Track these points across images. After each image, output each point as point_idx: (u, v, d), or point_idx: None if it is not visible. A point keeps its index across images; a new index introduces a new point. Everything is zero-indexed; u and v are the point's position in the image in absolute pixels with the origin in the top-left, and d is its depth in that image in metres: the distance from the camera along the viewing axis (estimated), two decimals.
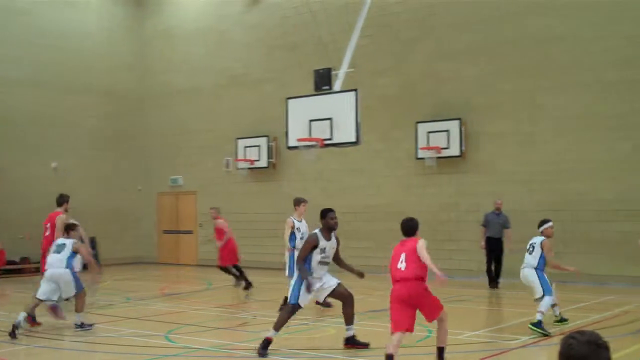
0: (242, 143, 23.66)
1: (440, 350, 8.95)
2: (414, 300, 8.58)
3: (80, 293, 11.80)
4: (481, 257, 18.36)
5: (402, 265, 8.75)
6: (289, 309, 10.01)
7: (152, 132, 26.93)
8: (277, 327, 9.82)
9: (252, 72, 24.26)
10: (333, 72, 16.52)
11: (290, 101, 16.86)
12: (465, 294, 16.35)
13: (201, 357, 9.86)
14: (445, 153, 19.78)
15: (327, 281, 10.24)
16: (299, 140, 16.43)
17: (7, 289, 18.98)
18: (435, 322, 8.87)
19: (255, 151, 23.36)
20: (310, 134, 16.20)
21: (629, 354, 9.22)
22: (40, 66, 24.10)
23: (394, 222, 18.02)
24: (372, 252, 20.27)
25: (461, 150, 19.66)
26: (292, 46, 23.21)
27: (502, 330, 11.38)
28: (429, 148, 19.90)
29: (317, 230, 10.27)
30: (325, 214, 10.34)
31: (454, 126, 19.72)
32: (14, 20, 23.65)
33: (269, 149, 23.21)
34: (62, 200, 13.84)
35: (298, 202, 14.42)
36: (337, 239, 10.45)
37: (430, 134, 19.97)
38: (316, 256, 10.05)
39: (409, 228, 9.24)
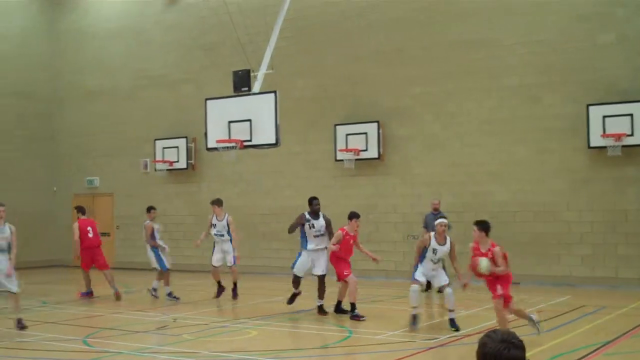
0: (160, 144, 23.44)
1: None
2: None
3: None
4: (399, 257, 18.72)
5: None
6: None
7: (67, 133, 26.38)
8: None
9: (171, 73, 24.06)
10: (252, 74, 16.59)
11: (209, 102, 16.85)
12: (383, 294, 16.62)
13: None
14: (363, 155, 20.05)
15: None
16: (218, 141, 16.44)
17: None
18: None
19: (174, 152, 23.17)
20: (229, 135, 16.23)
21: (544, 351, 9.57)
22: None
23: None
24: (290, 254, 20.37)
25: (379, 153, 19.96)
26: (210, 47, 23.14)
27: (420, 330, 11.63)
28: (347, 150, 20.15)
29: (305, 212, 13.71)
30: (311, 201, 13.89)
31: (372, 129, 20.00)
32: None
33: (188, 150, 23.07)
34: None
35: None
36: (326, 220, 13.71)
37: (349, 136, 20.21)
38: (309, 230, 13.50)
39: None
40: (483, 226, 10.39)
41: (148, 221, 16.83)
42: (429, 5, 19.78)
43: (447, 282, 11.81)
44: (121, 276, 22.34)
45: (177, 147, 23.15)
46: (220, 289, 15.52)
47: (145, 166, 24.11)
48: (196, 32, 23.57)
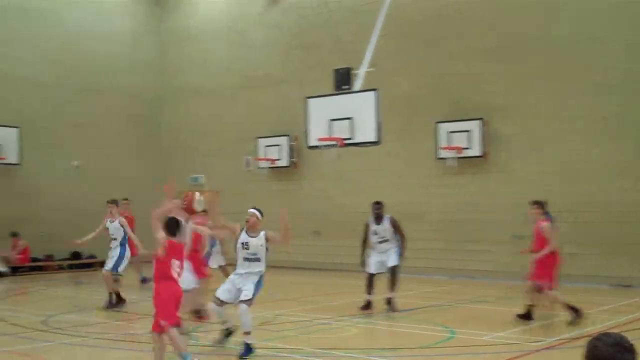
0: (262, 142, 23.72)
1: None
2: None
3: None
4: (503, 257, 18.33)
5: None
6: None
7: (172, 132, 27.05)
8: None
9: (272, 72, 24.29)
10: (353, 72, 16.55)
11: (310, 101, 16.91)
12: (487, 294, 16.29)
13: (226, 356, 9.89)
14: (466, 153, 19.71)
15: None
16: (320, 139, 16.48)
17: (32, 287, 19.12)
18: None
19: (276, 150, 23.41)
20: (330, 133, 16.25)
21: None
22: (63, 67, 24.29)
23: (414, 221, 18.15)
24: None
25: (483, 151, 19.57)
26: (311, 46, 23.24)
27: (525, 332, 11.33)
28: (449, 148, 19.84)
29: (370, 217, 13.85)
30: (372, 206, 13.90)
31: (475, 126, 19.64)
32: (38, 21, 23.82)
33: (290, 148, 23.25)
34: None
35: None
36: (391, 221, 13.68)
37: (452, 134, 19.90)
38: (372, 236, 13.63)
39: None
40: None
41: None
42: (532, 0, 19.28)
43: None
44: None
45: (279, 145, 23.37)
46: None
47: (248, 164, 24.43)
48: (297, 31, 23.72)
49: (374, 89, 15.76)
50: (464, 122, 19.77)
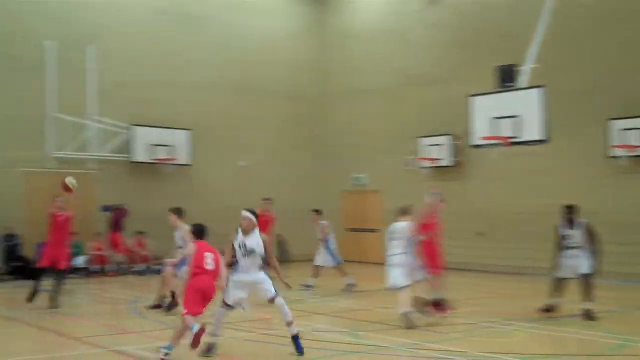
0: (424, 142, 23.54)
1: None
2: None
3: None
4: None
5: None
6: None
7: (335, 132, 27.38)
8: None
9: (433, 71, 24.01)
10: (517, 68, 16.12)
11: (474, 99, 16.63)
12: None
13: (388, 356, 9.88)
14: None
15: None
16: (484, 138, 16.16)
17: None
18: None
19: (439, 150, 23.15)
20: (495, 132, 15.90)
21: None
22: (227, 71, 25.16)
23: None
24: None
25: None
26: (472, 43, 22.79)
27: None
28: (623, 147, 18.86)
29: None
30: (564, 210, 13.12)
31: None
32: (202, 28, 24.82)
33: (453, 147, 22.91)
34: None
35: None
36: (587, 228, 12.90)
37: (625, 132, 18.91)
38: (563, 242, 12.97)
39: None
40: None
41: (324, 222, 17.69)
42: None
43: None
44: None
45: (442, 144, 23.10)
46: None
47: (411, 164, 24.30)
48: (458, 29, 23.36)
49: (540, 86, 15.27)
50: (638, 119, 18.75)
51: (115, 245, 21.02)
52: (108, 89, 22.07)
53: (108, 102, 22.10)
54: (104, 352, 10.02)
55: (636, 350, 10.01)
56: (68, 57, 21.46)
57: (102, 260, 21.10)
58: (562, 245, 12.95)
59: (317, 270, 17.59)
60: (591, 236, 12.89)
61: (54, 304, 13.81)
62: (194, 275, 9.33)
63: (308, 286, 17.20)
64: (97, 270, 20.83)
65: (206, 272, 9.39)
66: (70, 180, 14.26)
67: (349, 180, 26.71)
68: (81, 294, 17.12)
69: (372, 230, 25.78)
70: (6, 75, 20.93)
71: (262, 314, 12.66)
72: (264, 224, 19.53)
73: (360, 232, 26.32)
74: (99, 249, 21.12)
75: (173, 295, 13.42)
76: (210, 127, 24.48)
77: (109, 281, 19.75)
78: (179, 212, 13.52)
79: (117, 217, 21.09)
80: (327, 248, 17.58)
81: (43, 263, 14.16)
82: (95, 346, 10.37)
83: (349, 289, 17.06)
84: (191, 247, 9.66)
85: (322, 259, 17.66)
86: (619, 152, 19.00)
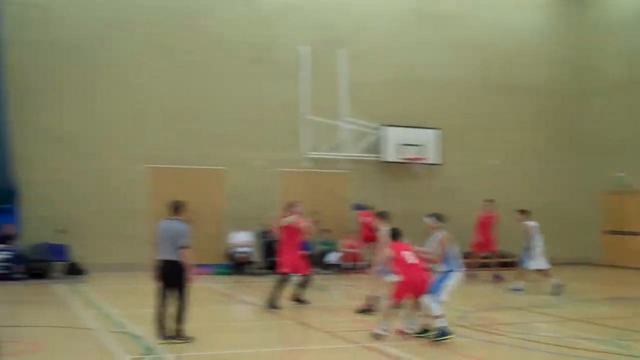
0: None
1: None
2: None
3: None
4: None
5: None
6: None
7: (591, 128, 25.73)
8: None
9: None
10: None
11: None
12: None
13: None
14: None
15: None
16: None
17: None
18: None
19: None
20: None
21: None
22: (474, 67, 24.56)
23: None
24: None
25: None
26: None
27: None
28: None
29: None
30: None
31: None
32: (453, 24, 24.38)
33: None
34: None
35: None
36: None
37: None
38: None
39: None
40: None
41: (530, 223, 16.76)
42: None
43: None
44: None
45: None
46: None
47: None
48: None
49: None
50: None
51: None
52: (358, 90, 22.48)
53: (358, 102, 22.50)
54: (355, 347, 10.08)
55: None
56: (320, 61, 22.18)
57: (354, 257, 21.48)
58: None
59: (526, 273, 16.72)
60: None
61: (273, 303, 13.44)
62: (401, 273, 10.57)
63: (517, 289, 16.55)
64: (349, 267, 21.24)
65: (411, 266, 10.52)
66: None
67: (608, 179, 24.93)
68: (334, 290, 17.51)
69: (635, 234, 23.96)
70: (265, 80, 22.03)
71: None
72: (484, 224, 19.10)
73: (621, 234, 24.55)
74: (352, 246, 21.52)
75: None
76: (460, 126, 24.04)
77: (361, 278, 20.04)
78: (383, 215, 13.55)
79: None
80: (529, 250, 16.54)
81: (285, 270, 13.71)
82: (347, 341, 10.47)
83: (557, 291, 15.92)
84: (386, 250, 11.08)
85: (533, 262, 16.63)
86: None
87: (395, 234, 11.12)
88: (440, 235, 10.94)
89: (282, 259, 13.68)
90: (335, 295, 16.97)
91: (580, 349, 9.99)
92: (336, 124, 22.35)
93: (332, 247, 21.58)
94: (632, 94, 24.15)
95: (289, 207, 13.80)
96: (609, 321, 12.63)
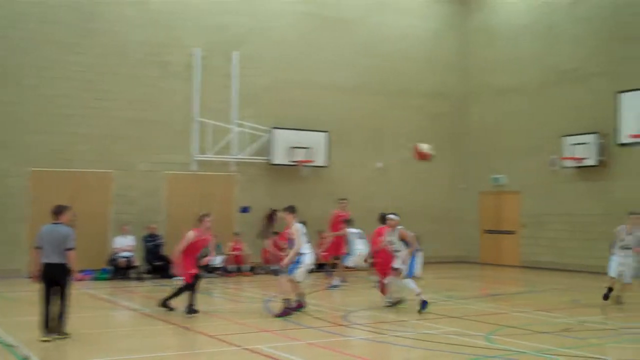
0: (568, 141, 22.56)
1: None
2: None
3: None
4: None
5: None
6: None
7: (475, 132, 26.75)
8: None
9: (581, 67, 22.98)
10: None
11: (623, 95, 15.80)
12: None
13: None
14: None
15: None
16: (632, 136, 15.34)
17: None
18: None
19: (583, 149, 22.09)
20: None
21: None
22: (369, 72, 25.10)
23: None
24: None
25: None
26: (625, 37, 21.64)
27: None
28: None
29: None
30: None
31: None
32: (348, 29, 24.83)
33: (599, 146, 21.80)
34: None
35: None
36: None
37: None
38: None
39: None
40: None
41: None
42: None
43: None
44: (525, 275, 22.20)
45: (587, 143, 22.03)
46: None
47: (554, 164, 23.38)
48: (612, 22, 22.22)
49: None
50: None
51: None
52: (250, 92, 22.60)
53: (250, 105, 22.64)
54: (238, 350, 10.15)
55: None
56: (214, 63, 22.18)
57: (238, 259, 21.51)
58: None
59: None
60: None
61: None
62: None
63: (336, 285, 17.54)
64: (233, 269, 21.24)
65: None
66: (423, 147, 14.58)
67: (488, 180, 26.01)
68: (218, 293, 17.52)
69: (510, 232, 25.07)
70: (158, 81, 21.78)
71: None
72: (336, 223, 19.59)
73: (497, 233, 25.62)
74: (236, 249, 21.55)
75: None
76: (349, 128, 24.50)
77: (245, 280, 20.12)
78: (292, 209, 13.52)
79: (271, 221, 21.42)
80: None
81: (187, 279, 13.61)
82: (230, 344, 10.53)
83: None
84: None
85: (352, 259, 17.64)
86: None
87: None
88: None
89: (185, 267, 13.49)
90: (220, 299, 16.96)
91: (456, 344, 10.39)
92: (227, 126, 22.35)
93: (217, 251, 21.47)
94: (514, 101, 25.20)
95: (200, 220, 13.63)
96: (484, 317, 13.17)
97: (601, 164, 21.88)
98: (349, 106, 24.66)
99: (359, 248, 17.18)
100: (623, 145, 15.79)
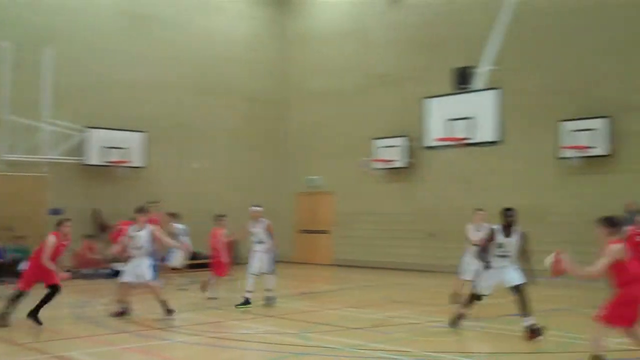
0: (379, 143, 23.58)
1: None
2: None
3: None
4: None
5: None
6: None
7: (293, 134, 27.35)
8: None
9: (392, 72, 24.11)
10: (473, 70, 16.21)
11: (430, 100, 16.69)
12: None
13: (334, 357, 9.83)
14: (590, 152, 18.93)
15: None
16: (438, 139, 16.22)
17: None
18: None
19: (392, 151, 23.20)
20: (449, 133, 15.96)
21: None
22: (187, 72, 24.99)
23: (536, 223, 17.47)
24: None
25: (610, 150, 18.74)
26: (433, 44, 22.92)
27: None
28: (573, 147, 19.10)
29: (496, 226, 11.13)
30: (505, 213, 11.05)
31: (601, 125, 18.85)
32: (162, 27, 24.60)
33: (407, 149, 22.98)
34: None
35: None
36: (521, 235, 11.05)
37: (575, 133, 19.16)
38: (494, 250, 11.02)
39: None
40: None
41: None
42: None
43: None
44: (338, 273, 22.93)
45: (396, 146, 23.15)
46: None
47: (365, 165, 24.35)
48: (418, 30, 23.47)
49: (496, 88, 15.37)
50: (588, 121, 19.03)
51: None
52: (63, 90, 21.69)
53: (63, 103, 21.73)
54: (48, 357, 9.81)
55: (580, 348, 10.05)
56: (24, 58, 21.06)
57: (88, 263, 20.89)
58: (492, 252, 11.15)
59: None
60: (525, 246, 11.15)
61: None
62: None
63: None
64: (89, 273, 20.54)
65: None
66: None
67: (304, 181, 26.67)
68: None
69: (324, 232, 25.83)
70: None
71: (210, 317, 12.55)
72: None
73: (312, 233, 26.32)
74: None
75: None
76: (167, 129, 24.25)
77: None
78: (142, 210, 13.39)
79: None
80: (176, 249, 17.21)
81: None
82: (41, 352, 10.16)
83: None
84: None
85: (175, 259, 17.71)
86: (569, 153, 19.23)
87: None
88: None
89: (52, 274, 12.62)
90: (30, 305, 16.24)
91: (272, 343, 10.62)
92: (38, 125, 21.36)
93: (25, 255, 20.50)
94: (330, 104, 25.97)
95: (58, 224, 12.83)
96: (298, 315, 13.52)
97: (409, 166, 23.06)
98: (166, 106, 24.42)
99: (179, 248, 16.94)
100: (430, 148, 16.67)
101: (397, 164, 23.17)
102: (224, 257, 15.69)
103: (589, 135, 18.96)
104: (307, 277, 22.64)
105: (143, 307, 13.79)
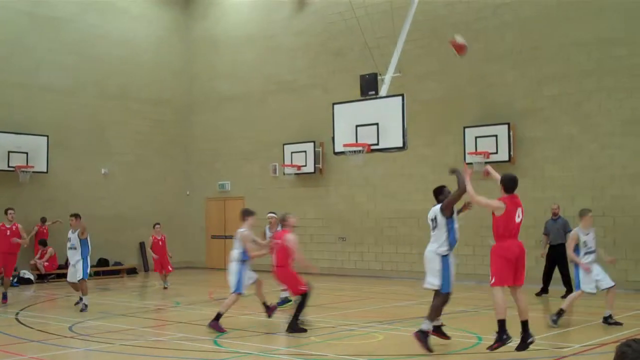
0: (288, 149, 23.73)
1: (525, 323, 9.50)
2: (522, 260, 9.40)
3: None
4: (529, 263, 18.07)
5: (518, 219, 9.37)
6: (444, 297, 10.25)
7: (200, 139, 27.19)
8: (432, 317, 10.16)
9: (299, 78, 24.32)
10: (379, 77, 16.47)
11: (337, 106, 16.87)
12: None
13: None
14: (493, 158, 19.55)
15: None
16: (345, 145, 16.42)
17: (59, 294, 19.22)
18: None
19: (301, 157, 23.38)
20: (356, 139, 16.18)
21: None
22: (89, 74, 24.51)
23: None
24: (417, 258, 20.09)
25: (510, 155, 19.43)
26: (338, 51, 23.23)
27: (555, 338, 11.17)
28: (476, 153, 19.70)
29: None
30: (441, 190, 11.33)
31: (502, 131, 19.51)
32: (62, 28, 24.06)
33: (316, 154, 23.22)
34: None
35: None
36: None
37: (478, 139, 19.77)
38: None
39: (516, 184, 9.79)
40: None
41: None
42: (563, 2, 19.12)
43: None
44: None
45: (305, 151, 23.35)
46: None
47: (275, 170, 24.46)
48: (324, 37, 23.73)
49: (400, 94, 15.68)
50: (491, 127, 19.66)
51: None
52: None
53: None
54: None
55: (483, 348, 10.40)
56: None
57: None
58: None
59: None
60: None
61: None
62: None
63: None
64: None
65: None
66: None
67: (214, 186, 26.55)
68: None
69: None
70: None
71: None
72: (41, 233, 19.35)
73: (223, 238, 26.21)
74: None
75: None
76: (69, 133, 23.72)
77: None
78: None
79: None
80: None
81: None
82: None
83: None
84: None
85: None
86: (473, 159, 19.78)
87: None
88: None
89: None
90: None
91: (185, 349, 10.57)
92: None
93: None
94: (238, 108, 25.95)
95: None
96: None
97: (318, 171, 23.28)
98: (68, 109, 23.91)
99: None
100: (337, 153, 16.87)
101: (307, 169, 23.35)
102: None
103: (491, 141, 19.58)
104: (219, 282, 22.46)
105: (54, 314, 13.50)
